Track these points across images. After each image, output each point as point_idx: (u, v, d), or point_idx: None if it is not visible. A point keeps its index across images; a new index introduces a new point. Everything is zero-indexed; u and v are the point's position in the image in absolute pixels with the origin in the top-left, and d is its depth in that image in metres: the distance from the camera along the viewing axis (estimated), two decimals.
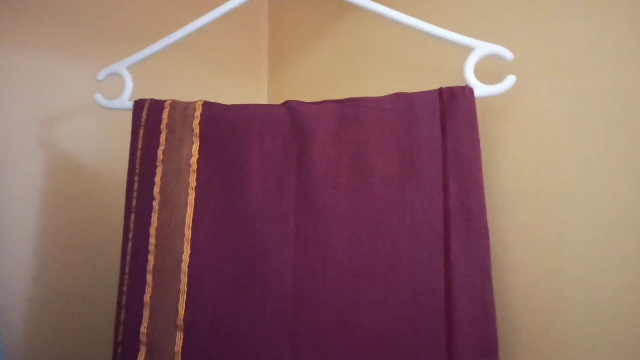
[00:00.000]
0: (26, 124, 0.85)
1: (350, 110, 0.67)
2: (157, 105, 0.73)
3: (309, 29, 1.11)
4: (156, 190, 0.69)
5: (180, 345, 0.64)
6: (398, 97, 0.67)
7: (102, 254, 0.91)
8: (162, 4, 1.04)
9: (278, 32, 1.21)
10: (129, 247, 0.69)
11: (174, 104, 0.72)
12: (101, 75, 0.76)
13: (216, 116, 0.71)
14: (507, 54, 0.65)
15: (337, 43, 1.02)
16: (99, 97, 0.76)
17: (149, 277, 0.67)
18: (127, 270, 0.69)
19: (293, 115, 0.69)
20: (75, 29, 0.91)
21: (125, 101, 0.75)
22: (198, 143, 0.70)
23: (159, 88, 0.98)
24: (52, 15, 0.89)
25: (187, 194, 0.69)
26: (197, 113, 0.71)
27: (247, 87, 1.17)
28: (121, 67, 0.75)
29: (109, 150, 0.93)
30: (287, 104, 0.70)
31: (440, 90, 0.66)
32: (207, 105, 0.71)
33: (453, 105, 0.65)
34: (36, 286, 0.84)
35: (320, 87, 1.05)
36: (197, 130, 0.70)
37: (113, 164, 0.93)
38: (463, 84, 0.66)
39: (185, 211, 0.68)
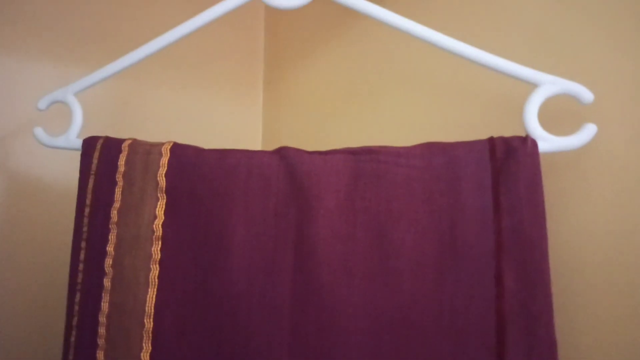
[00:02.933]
0: None
1: (368, 167, 0.49)
2: (112, 147, 0.55)
3: (310, 37, 0.92)
4: (108, 262, 0.52)
5: None
6: (433, 149, 0.49)
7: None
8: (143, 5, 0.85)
9: (275, 39, 1.03)
10: (72, 339, 0.53)
11: (135, 145, 0.54)
12: (42, 103, 0.58)
13: (189, 164, 0.53)
14: (586, 94, 0.47)
15: (344, 53, 0.84)
16: (39, 132, 0.58)
17: None
18: None
19: (290, 169, 0.51)
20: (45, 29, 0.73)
21: (73, 139, 0.57)
22: (164, 201, 0.53)
23: (134, 107, 0.80)
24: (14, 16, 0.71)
25: (149, 270, 0.51)
26: (164, 160, 0.53)
27: (239, 100, 0.99)
28: (67, 93, 0.58)
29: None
30: (282, 152, 0.52)
31: (491, 140, 0.49)
32: (177, 148, 0.54)
33: (510, 164, 0.47)
34: None
35: (325, 100, 0.87)
36: (162, 183, 0.53)
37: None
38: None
39: (146, 293, 0.51)
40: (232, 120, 0.95)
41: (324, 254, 0.48)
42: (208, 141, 0.90)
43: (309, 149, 0.54)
